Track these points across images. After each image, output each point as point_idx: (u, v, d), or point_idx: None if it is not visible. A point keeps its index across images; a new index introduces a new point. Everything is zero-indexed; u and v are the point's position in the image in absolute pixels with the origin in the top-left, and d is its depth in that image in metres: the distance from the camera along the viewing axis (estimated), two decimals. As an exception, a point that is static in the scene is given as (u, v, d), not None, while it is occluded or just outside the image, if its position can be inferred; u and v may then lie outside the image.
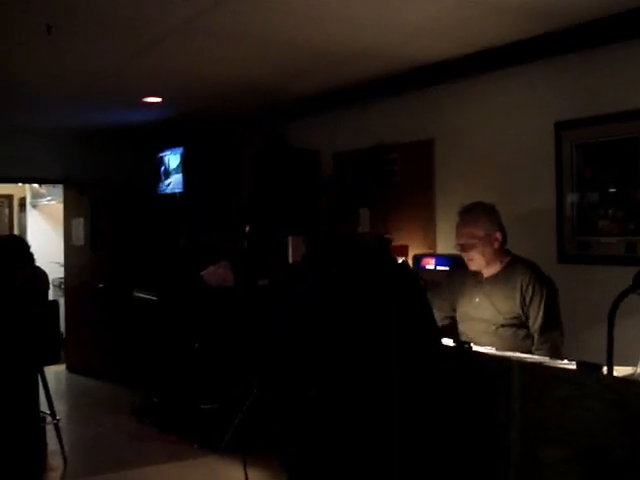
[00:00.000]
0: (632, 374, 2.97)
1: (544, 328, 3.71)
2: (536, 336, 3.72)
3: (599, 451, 2.12)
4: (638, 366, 3.04)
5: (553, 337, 3.73)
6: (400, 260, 5.41)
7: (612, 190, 4.51)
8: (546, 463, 2.33)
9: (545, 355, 3.58)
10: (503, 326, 3.75)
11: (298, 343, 2.63)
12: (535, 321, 3.72)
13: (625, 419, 2.11)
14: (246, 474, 3.83)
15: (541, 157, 4.90)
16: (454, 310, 4.03)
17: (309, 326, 2.57)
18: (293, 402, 2.68)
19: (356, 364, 2.45)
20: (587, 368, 2.45)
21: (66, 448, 5.90)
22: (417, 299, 2.62)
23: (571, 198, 4.73)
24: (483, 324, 3.78)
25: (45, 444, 5.93)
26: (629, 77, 4.39)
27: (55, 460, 5.84)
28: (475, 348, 2.97)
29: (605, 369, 2.47)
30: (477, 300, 3.85)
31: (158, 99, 6.75)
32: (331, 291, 2.56)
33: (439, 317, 3.68)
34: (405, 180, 6.01)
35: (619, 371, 2.78)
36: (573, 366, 2.63)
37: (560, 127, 4.77)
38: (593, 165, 4.62)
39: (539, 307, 3.72)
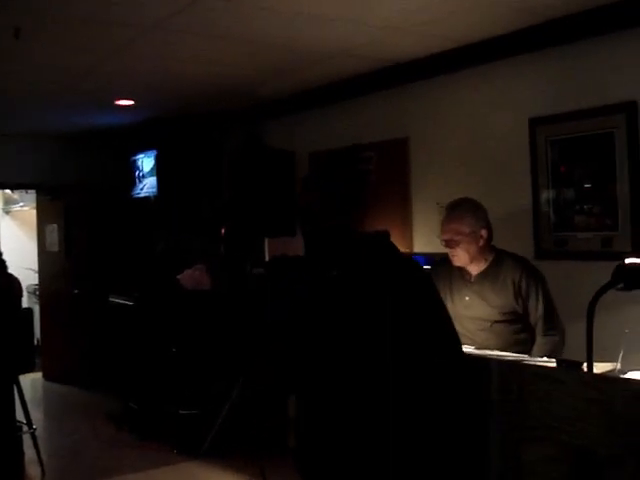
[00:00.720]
0: (612, 370, 2.96)
1: (547, 315, 3.69)
2: (540, 324, 3.68)
3: (582, 449, 2.10)
4: (618, 362, 3.04)
5: (559, 322, 3.73)
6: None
7: (588, 186, 4.50)
8: (529, 462, 2.30)
9: (555, 340, 3.62)
10: (498, 322, 3.72)
11: (294, 337, 2.48)
12: (536, 311, 3.69)
13: (607, 416, 2.09)
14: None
15: (516, 153, 4.89)
16: None
17: (307, 321, 2.43)
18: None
19: (361, 361, 2.33)
20: (567, 365, 2.43)
21: (44, 457, 5.82)
22: (429, 295, 2.47)
23: (547, 194, 4.72)
24: (477, 322, 3.75)
25: (22, 454, 5.84)
26: (603, 72, 4.39)
27: (33, 470, 5.76)
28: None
29: (585, 366, 2.45)
30: (467, 299, 3.80)
31: (130, 102, 6.68)
32: (333, 288, 2.38)
33: None
34: (381, 179, 5.98)
35: (599, 367, 2.77)
36: (553, 364, 2.61)
37: (534, 123, 4.76)
38: (568, 161, 4.61)
39: (537, 298, 3.70)
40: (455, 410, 2.35)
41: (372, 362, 2.30)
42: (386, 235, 2.50)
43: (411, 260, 2.47)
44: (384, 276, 2.35)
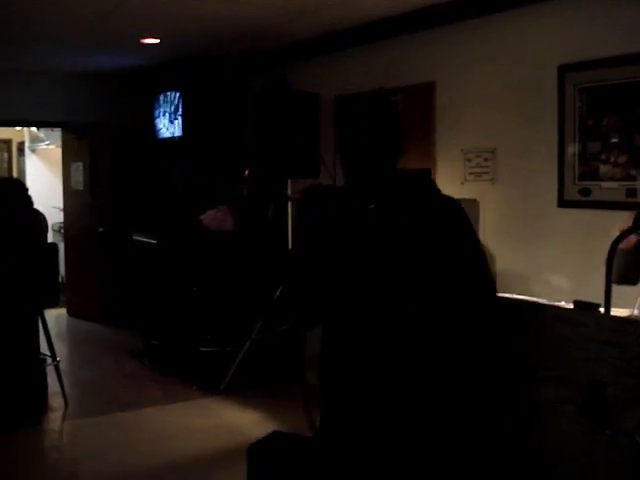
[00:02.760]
0: (629, 315, 2.98)
1: None
2: None
3: (594, 389, 2.13)
4: (635, 307, 3.06)
5: None
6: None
7: (615, 135, 4.46)
8: (541, 402, 2.33)
9: None
10: None
11: (323, 267, 2.43)
12: None
13: (621, 358, 2.11)
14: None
15: (544, 101, 4.84)
16: None
17: (339, 252, 2.36)
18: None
19: (391, 294, 2.29)
20: (585, 307, 2.45)
21: (66, 389, 5.96)
22: (466, 234, 2.40)
23: (573, 142, 4.69)
24: None
25: (46, 385, 5.97)
26: (634, 18, 4.31)
27: (56, 401, 5.90)
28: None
29: (602, 309, 2.47)
30: None
31: (156, 40, 6.65)
32: (369, 221, 2.33)
33: None
34: (406, 123, 5.89)
35: (616, 312, 2.79)
36: (571, 305, 2.63)
37: (563, 70, 4.70)
38: (596, 108, 4.56)
39: None
40: (482, 349, 2.35)
41: (402, 296, 2.28)
42: (427, 173, 2.47)
43: (451, 199, 2.42)
44: (421, 212, 2.32)
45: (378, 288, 2.31)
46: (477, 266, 2.37)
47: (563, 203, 4.76)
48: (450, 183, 5.55)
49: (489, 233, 5.20)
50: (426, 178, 2.48)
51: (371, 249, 2.31)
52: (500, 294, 3.41)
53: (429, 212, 2.33)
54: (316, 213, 2.45)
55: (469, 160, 5.40)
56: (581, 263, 4.55)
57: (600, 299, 2.59)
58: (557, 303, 3.16)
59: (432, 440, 2.34)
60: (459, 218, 2.39)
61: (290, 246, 2.56)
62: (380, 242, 2.30)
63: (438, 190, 2.46)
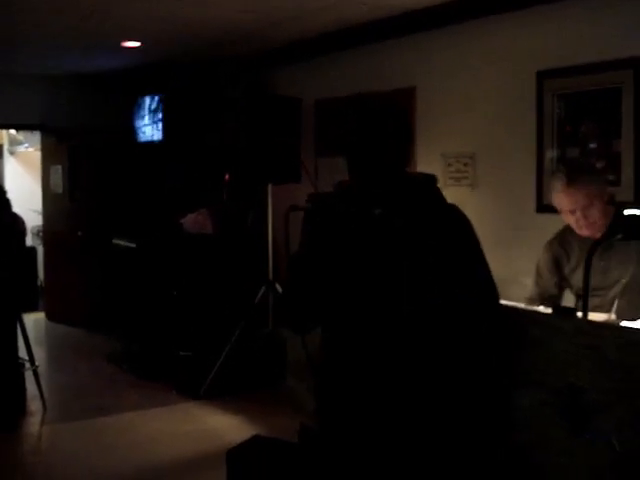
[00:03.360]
0: (607, 320, 3.01)
1: None
2: None
3: (573, 392, 2.15)
4: (612, 312, 3.09)
5: None
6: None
7: (593, 141, 4.51)
8: (520, 406, 2.35)
9: None
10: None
11: (326, 269, 2.40)
12: None
13: (600, 362, 2.13)
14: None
15: (523, 106, 4.88)
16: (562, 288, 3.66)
17: (343, 255, 2.37)
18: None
19: (392, 299, 2.32)
20: (562, 312, 2.47)
21: (45, 393, 5.93)
22: (468, 242, 2.42)
23: (552, 148, 4.73)
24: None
25: (24, 390, 5.93)
26: (613, 26, 4.36)
27: (34, 405, 5.86)
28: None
29: (580, 314, 2.49)
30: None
31: (137, 43, 6.64)
32: (375, 226, 2.33)
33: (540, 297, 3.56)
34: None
35: (594, 317, 2.81)
36: (549, 310, 2.65)
37: (542, 76, 4.74)
38: (574, 115, 4.61)
39: None
40: (477, 355, 2.37)
41: (400, 299, 2.31)
42: (432, 179, 2.48)
43: (454, 208, 2.44)
44: (424, 219, 2.34)
45: (377, 291, 2.33)
46: (477, 274, 2.42)
47: (542, 208, 4.80)
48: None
49: (469, 238, 5.22)
50: (431, 185, 2.47)
51: (374, 253, 2.33)
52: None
53: (432, 219, 2.35)
54: (323, 219, 2.44)
55: (449, 165, 5.44)
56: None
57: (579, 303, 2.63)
58: (535, 308, 3.19)
59: (425, 440, 2.36)
60: (461, 227, 2.41)
61: (290, 252, 2.53)
62: (382, 247, 2.32)
63: (443, 198, 2.47)
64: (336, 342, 2.45)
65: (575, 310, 2.45)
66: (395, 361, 2.33)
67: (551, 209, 4.71)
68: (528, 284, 4.74)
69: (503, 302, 3.14)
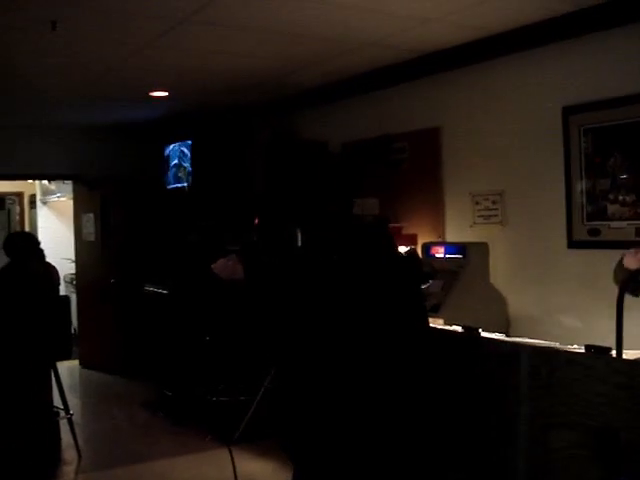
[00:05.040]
0: (641, 357, 2.96)
1: None
2: None
3: (607, 434, 2.11)
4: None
5: None
6: (408, 248, 5.41)
7: (622, 175, 4.48)
8: (555, 448, 2.32)
9: None
10: None
11: (287, 314, 2.63)
12: None
13: (634, 401, 2.10)
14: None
15: (549, 142, 4.87)
16: None
17: (303, 301, 2.55)
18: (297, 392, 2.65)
19: (354, 351, 2.44)
20: (596, 351, 2.44)
21: (80, 442, 5.93)
22: (412, 286, 2.63)
23: (580, 184, 4.70)
24: None
25: (59, 438, 5.95)
26: (636, 60, 4.35)
27: (69, 454, 5.86)
28: (484, 334, 2.95)
29: (614, 352, 2.46)
30: None
31: (165, 93, 6.75)
32: (332, 277, 2.50)
33: None
34: (413, 168, 5.99)
35: (628, 354, 2.77)
36: (582, 349, 2.62)
37: (568, 112, 4.74)
38: (601, 150, 4.59)
39: None
40: (467, 398, 2.43)
41: (354, 337, 2.44)
42: (384, 222, 2.67)
43: (399, 256, 2.72)
44: (372, 262, 2.52)
45: (332, 327, 2.48)
46: (414, 315, 2.59)
47: (573, 244, 4.77)
48: (459, 226, 5.57)
49: (500, 275, 5.20)
50: (382, 228, 2.83)
51: (329, 296, 2.50)
52: (513, 337, 3.40)
53: (380, 265, 2.55)
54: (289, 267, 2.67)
55: (477, 203, 5.42)
56: (592, 304, 4.52)
57: (612, 339, 2.59)
58: (569, 346, 3.14)
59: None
60: (403, 271, 2.60)
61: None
62: (340, 288, 2.49)
63: (392, 242, 2.72)
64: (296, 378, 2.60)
65: (609, 349, 2.42)
66: (348, 393, 2.43)
67: (582, 244, 4.71)
68: (562, 322, 4.71)
69: (535, 341, 3.12)
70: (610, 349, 2.44)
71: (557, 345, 3.21)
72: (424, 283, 4.16)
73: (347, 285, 2.46)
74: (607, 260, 4.43)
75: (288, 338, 2.62)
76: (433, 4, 4.27)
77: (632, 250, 2.95)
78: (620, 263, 3.13)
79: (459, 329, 3.00)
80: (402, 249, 5.69)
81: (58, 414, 5.98)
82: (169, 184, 8.34)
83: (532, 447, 2.38)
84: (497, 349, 2.68)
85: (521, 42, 4.92)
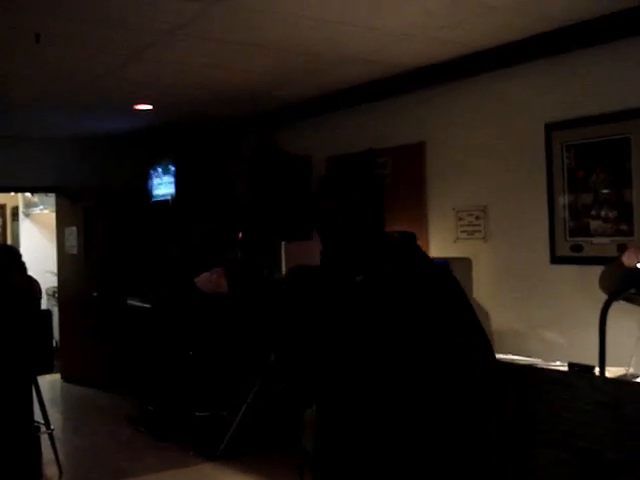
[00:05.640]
0: (624, 374, 2.97)
1: None
2: None
3: (592, 453, 2.11)
4: (630, 366, 3.05)
5: None
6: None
7: (604, 191, 4.51)
8: (539, 466, 2.32)
9: None
10: None
11: (316, 344, 2.36)
12: None
13: (617, 420, 2.10)
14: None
15: (532, 158, 4.90)
16: None
17: (332, 328, 2.30)
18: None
19: (387, 368, 2.22)
20: (579, 369, 2.44)
21: (61, 458, 5.87)
22: (459, 303, 2.30)
23: (563, 200, 4.73)
24: None
25: (40, 454, 5.88)
26: (619, 77, 4.40)
27: (50, 470, 5.81)
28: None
29: (597, 370, 2.47)
30: None
31: (149, 106, 6.74)
32: (358, 294, 2.26)
33: None
34: (397, 183, 6.00)
35: (611, 372, 2.78)
36: (565, 368, 2.63)
37: (550, 128, 4.77)
38: (584, 166, 4.62)
39: None
40: (448, 416, 2.28)
41: (397, 369, 2.22)
42: (412, 238, 2.42)
43: (438, 266, 2.37)
44: (411, 281, 2.25)
45: (365, 358, 2.26)
46: (470, 346, 2.26)
47: (555, 259, 4.79)
48: (442, 242, 5.58)
49: (483, 291, 5.21)
50: (412, 244, 2.41)
51: (358, 320, 2.26)
52: (496, 354, 3.40)
53: (418, 283, 2.25)
54: (301, 291, 2.41)
55: (461, 219, 5.44)
56: (575, 319, 4.55)
57: (595, 355, 2.59)
58: (552, 363, 3.16)
59: None
60: (450, 291, 2.30)
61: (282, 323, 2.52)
62: (369, 315, 2.24)
63: (426, 257, 2.41)
64: (328, 411, 2.39)
65: (592, 367, 2.43)
66: (387, 424, 2.25)
67: (564, 260, 4.73)
68: (545, 337, 4.73)
69: (517, 358, 3.12)
70: (593, 367, 2.45)
71: (540, 362, 3.22)
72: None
73: (376, 308, 2.23)
74: (590, 276, 4.46)
75: (314, 367, 2.39)
76: (417, 20, 4.29)
77: (630, 248, 2.96)
78: (610, 267, 3.14)
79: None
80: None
81: (39, 429, 5.92)
82: (153, 197, 8.32)
83: (516, 465, 2.37)
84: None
85: (505, 59, 4.96)
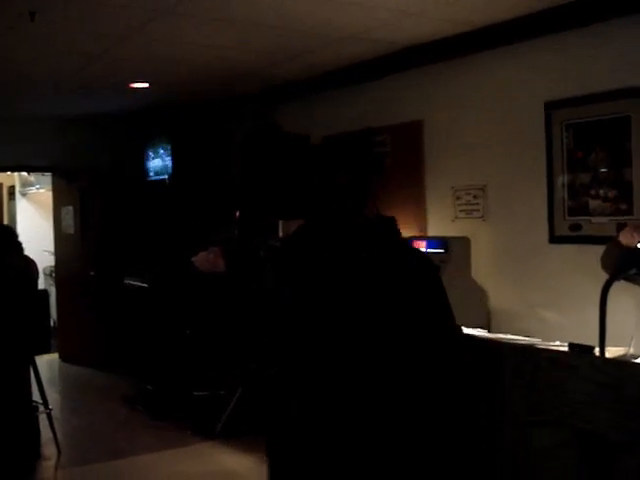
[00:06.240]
0: (624, 354, 2.97)
1: None
2: None
3: (593, 434, 2.11)
4: (630, 346, 3.04)
5: None
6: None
7: (603, 170, 4.49)
8: (539, 447, 2.31)
9: None
10: None
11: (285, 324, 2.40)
12: None
13: (618, 401, 2.09)
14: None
15: (531, 137, 4.87)
16: None
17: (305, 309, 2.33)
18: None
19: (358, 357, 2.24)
20: (579, 350, 2.43)
21: (59, 437, 5.89)
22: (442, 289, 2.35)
23: (562, 179, 4.71)
24: None
25: (38, 433, 5.90)
26: (619, 55, 4.36)
27: (49, 449, 5.82)
28: (466, 331, 2.94)
29: (597, 350, 2.46)
30: None
31: (145, 84, 6.68)
32: (349, 281, 2.27)
33: None
34: (395, 162, 5.98)
35: (611, 352, 2.77)
36: (565, 348, 2.61)
37: (550, 107, 4.74)
38: (583, 145, 4.59)
39: None
40: (447, 397, 2.29)
41: (387, 353, 2.23)
42: (393, 221, 2.41)
43: (415, 250, 2.39)
44: (402, 265, 2.28)
45: (344, 336, 2.27)
46: (440, 327, 2.32)
47: (554, 239, 4.77)
48: (441, 221, 5.57)
49: (481, 270, 5.20)
50: (394, 228, 2.42)
51: (350, 303, 2.27)
52: (495, 334, 3.40)
53: (409, 267, 2.29)
54: (293, 267, 2.41)
55: (459, 198, 5.42)
56: (574, 299, 4.54)
57: (594, 335, 2.58)
58: (552, 343, 3.15)
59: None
60: (426, 276, 2.35)
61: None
62: (359, 298, 2.26)
63: (408, 242, 2.43)
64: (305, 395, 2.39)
65: (592, 347, 2.41)
66: (371, 412, 2.26)
67: (563, 239, 4.72)
68: (544, 317, 4.72)
69: (517, 338, 3.11)
70: (593, 348, 2.44)
71: (540, 342, 3.21)
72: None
73: (355, 287, 2.26)
74: (589, 255, 4.46)
75: (285, 345, 2.42)
76: (416, -2, 4.25)
77: (628, 227, 2.96)
78: (610, 246, 3.13)
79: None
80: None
81: (37, 409, 5.94)
82: (150, 177, 8.28)
83: (515, 447, 2.37)
84: (479, 347, 2.67)
85: (504, 37, 4.92)
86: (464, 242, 5.23)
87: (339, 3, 4.32)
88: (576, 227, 4.64)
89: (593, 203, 4.55)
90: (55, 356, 9.12)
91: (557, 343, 3.27)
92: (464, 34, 5.02)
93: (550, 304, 4.74)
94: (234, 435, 5.91)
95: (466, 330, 2.95)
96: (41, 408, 5.94)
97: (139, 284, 7.44)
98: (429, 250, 5.22)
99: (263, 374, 2.47)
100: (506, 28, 4.81)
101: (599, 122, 4.49)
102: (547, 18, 4.58)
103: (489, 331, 3.52)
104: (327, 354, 2.29)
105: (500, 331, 4.10)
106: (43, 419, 5.94)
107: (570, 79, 4.63)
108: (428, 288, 2.29)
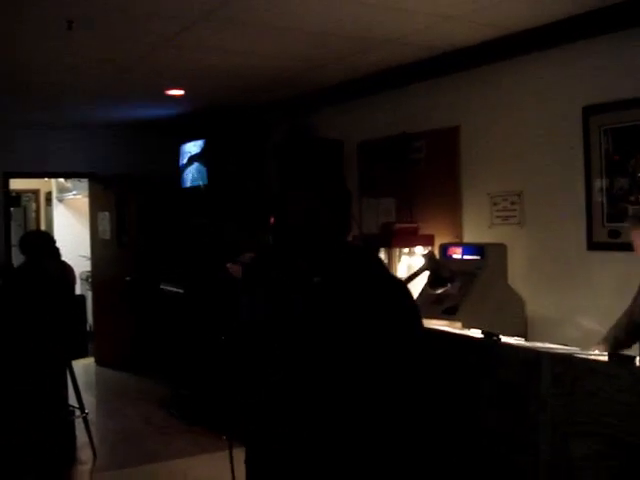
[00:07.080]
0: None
1: None
2: None
3: (632, 446, 2.06)
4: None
5: None
6: (426, 250, 5.34)
7: (642, 175, 4.42)
8: (578, 457, 2.27)
9: None
10: None
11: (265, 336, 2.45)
12: None
13: (660, 412, 2.05)
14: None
15: (569, 142, 4.81)
16: None
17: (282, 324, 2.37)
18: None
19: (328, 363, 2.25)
20: (620, 360, 2.38)
21: (95, 441, 5.93)
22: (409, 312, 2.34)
23: (600, 184, 4.64)
24: None
25: (74, 437, 5.95)
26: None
27: (84, 453, 5.86)
28: (504, 339, 2.90)
29: (638, 360, 2.41)
30: None
31: (181, 91, 6.73)
32: (314, 294, 2.30)
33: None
34: (431, 168, 5.95)
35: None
36: (605, 357, 2.57)
37: (588, 111, 4.68)
38: (622, 150, 4.52)
39: None
40: (486, 406, 2.27)
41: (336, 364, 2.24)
42: (371, 249, 2.44)
43: (395, 278, 2.42)
44: (361, 289, 2.27)
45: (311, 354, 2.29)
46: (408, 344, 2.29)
47: (592, 246, 4.71)
48: (477, 227, 5.52)
49: (518, 277, 5.14)
50: (370, 255, 2.45)
51: (310, 319, 2.28)
52: (532, 342, 3.35)
53: (366, 289, 2.27)
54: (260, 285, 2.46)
55: (496, 204, 5.37)
56: (613, 307, 4.46)
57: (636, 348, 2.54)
58: (591, 352, 3.10)
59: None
60: (394, 297, 2.32)
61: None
62: (318, 313, 2.27)
63: (383, 268, 2.44)
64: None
65: (632, 357, 2.36)
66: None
67: (602, 246, 4.65)
68: (582, 325, 4.65)
69: (555, 346, 3.07)
70: (634, 357, 2.39)
71: (579, 351, 3.16)
72: (442, 287, 4.06)
73: (327, 309, 2.26)
74: (628, 262, 4.40)
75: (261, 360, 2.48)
76: (454, 2, 4.22)
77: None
78: None
79: (478, 334, 2.95)
80: (419, 250, 5.65)
81: (73, 413, 5.98)
82: (185, 183, 8.33)
83: (554, 457, 2.33)
84: (518, 355, 2.63)
85: (541, 41, 4.87)
86: (500, 249, 5.18)
87: (379, 8, 4.30)
88: (615, 234, 4.57)
89: (632, 209, 4.47)
90: (91, 360, 9.19)
91: (596, 352, 3.21)
92: (501, 39, 4.98)
93: (589, 312, 4.67)
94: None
95: (503, 339, 2.92)
96: (77, 412, 5.99)
97: (175, 290, 7.47)
98: (465, 257, 5.19)
99: (270, 379, 2.46)
100: (543, 33, 4.76)
101: (638, 127, 4.42)
102: (584, 23, 4.53)
103: (526, 339, 3.46)
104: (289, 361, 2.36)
105: (538, 339, 4.04)
106: (79, 423, 5.99)
107: (608, 84, 4.57)
108: (384, 310, 2.25)
